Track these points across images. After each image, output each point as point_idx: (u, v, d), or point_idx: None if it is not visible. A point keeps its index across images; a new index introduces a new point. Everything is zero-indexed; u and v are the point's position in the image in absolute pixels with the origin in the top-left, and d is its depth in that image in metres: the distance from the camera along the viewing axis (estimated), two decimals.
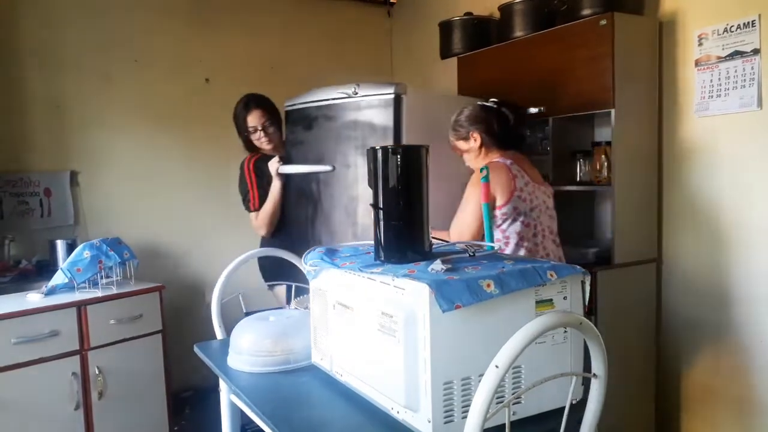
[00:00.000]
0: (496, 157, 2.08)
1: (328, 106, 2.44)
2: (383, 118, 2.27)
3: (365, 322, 1.22)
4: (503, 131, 2.11)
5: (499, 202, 1.97)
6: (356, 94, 2.31)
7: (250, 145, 2.74)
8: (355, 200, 2.35)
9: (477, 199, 1.95)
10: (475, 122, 2.11)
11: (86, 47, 3.25)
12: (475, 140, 2.11)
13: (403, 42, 4.28)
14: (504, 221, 1.99)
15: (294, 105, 2.61)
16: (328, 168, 2.41)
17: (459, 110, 2.19)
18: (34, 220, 3.12)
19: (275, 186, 2.61)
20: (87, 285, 2.59)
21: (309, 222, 2.56)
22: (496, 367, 0.88)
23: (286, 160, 2.59)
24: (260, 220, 2.69)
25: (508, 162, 2.04)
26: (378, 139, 2.26)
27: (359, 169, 2.33)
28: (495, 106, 2.15)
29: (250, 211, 2.72)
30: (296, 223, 2.63)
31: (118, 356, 2.58)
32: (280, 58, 3.86)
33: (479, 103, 2.18)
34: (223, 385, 1.69)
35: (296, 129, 2.60)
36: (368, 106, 2.31)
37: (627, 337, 2.48)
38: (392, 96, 2.25)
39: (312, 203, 2.54)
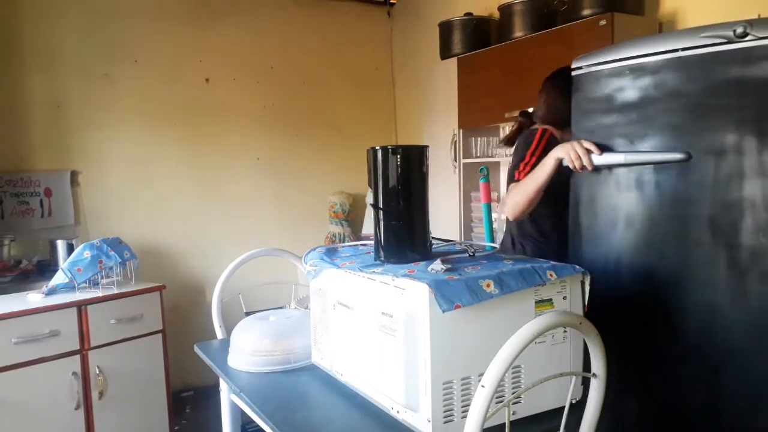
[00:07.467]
0: None
1: (674, 61, 1.57)
2: None
3: (365, 321, 1.22)
4: None
5: None
6: (745, 36, 1.46)
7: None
8: (736, 207, 1.46)
9: None
10: None
11: (86, 47, 3.26)
12: None
13: (403, 42, 4.27)
14: None
15: (589, 66, 1.67)
16: (678, 156, 1.55)
17: None
18: (35, 220, 3.13)
19: (548, 167, 1.79)
20: (87, 285, 2.59)
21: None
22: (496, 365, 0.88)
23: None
24: (513, 196, 1.97)
25: None
26: None
27: (746, 156, 1.45)
28: None
29: (514, 180, 2.06)
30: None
31: (118, 356, 2.59)
32: (280, 58, 3.86)
33: None
34: (223, 385, 1.69)
35: (599, 100, 1.67)
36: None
37: None
38: None
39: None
